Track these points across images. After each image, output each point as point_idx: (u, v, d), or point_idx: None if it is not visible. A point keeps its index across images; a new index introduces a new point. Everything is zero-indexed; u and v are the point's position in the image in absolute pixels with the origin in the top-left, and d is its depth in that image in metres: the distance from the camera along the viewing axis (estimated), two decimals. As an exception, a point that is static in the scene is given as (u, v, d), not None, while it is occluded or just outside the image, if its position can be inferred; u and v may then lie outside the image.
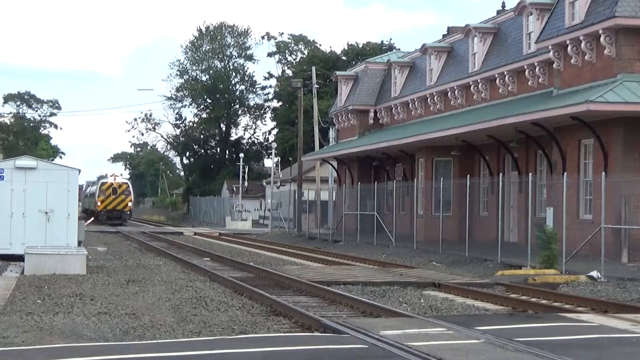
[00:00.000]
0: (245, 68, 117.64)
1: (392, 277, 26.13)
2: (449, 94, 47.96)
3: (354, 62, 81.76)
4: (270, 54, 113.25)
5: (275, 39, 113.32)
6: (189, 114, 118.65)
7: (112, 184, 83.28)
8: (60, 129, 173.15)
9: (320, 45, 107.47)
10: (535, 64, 38.86)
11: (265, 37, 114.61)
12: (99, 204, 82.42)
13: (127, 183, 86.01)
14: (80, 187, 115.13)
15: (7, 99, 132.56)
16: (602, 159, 32.09)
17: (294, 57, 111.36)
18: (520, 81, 41.02)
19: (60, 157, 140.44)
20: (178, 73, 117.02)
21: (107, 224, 77.17)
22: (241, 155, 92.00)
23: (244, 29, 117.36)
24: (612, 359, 12.55)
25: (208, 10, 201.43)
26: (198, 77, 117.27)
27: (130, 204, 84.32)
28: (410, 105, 53.31)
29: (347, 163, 59.88)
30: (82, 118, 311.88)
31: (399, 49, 78.08)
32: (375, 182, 49.47)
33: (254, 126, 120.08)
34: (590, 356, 12.56)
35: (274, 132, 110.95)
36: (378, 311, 18.15)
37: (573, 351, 12.70)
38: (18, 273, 26.48)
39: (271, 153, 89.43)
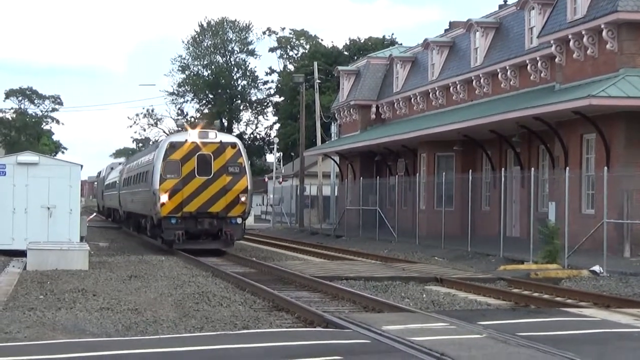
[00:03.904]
0: (247, 63, 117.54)
1: (394, 272, 26.12)
2: (451, 88, 47.90)
3: (356, 57, 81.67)
4: (271, 49, 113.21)
5: (277, 34, 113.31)
6: (191, 109, 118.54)
7: (197, 146, 34.23)
8: (62, 124, 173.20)
9: (322, 40, 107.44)
10: (537, 58, 38.83)
11: (267, 32, 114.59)
12: (162, 200, 33.71)
13: (234, 144, 35.09)
14: (98, 174, 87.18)
15: (9, 94, 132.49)
16: (604, 153, 32.05)
17: (295, 52, 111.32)
18: (522, 76, 40.96)
19: (62, 153, 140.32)
20: (180, 68, 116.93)
21: (186, 250, 33.18)
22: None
23: (246, 24, 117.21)
24: (614, 354, 12.54)
25: (210, 6, 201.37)
26: (200, 72, 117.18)
27: (244, 198, 34.28)
28: (412, 100, 53.26)
29: (349, 158, 59.85)
30: (84, 114, 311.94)
31: (401, 44, 78.02)
32: (378, 177, 49.46)
33: (255, 121, 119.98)
34: (592, 351, 12.55)
35: (276, 127, 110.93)
36: (380, 306, 18.15)
37: (576, 346, 12.69)
38: (20, 268, 26.50)
39: (273, 148, 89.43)
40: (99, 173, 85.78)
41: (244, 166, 34.22)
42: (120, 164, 66.14)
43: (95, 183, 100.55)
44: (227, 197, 33.58)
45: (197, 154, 33.73)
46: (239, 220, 34.01)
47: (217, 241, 33.93)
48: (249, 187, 33.99)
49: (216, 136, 34.63)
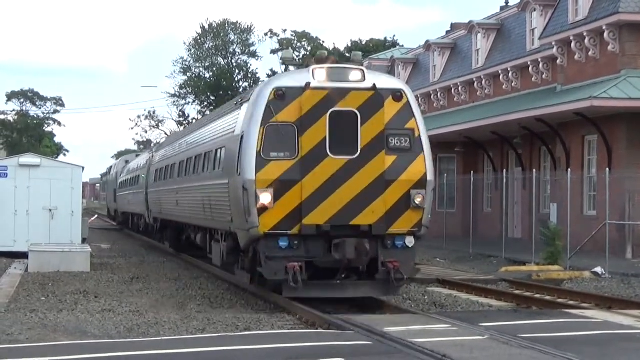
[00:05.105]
0: (249, 65, 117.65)
1: (396, 273, 26.04)
2: (453, 90, 47.90)
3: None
4: (273, 51, 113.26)
5: (279, 35, 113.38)
6: (193, 111, 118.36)
7: (329, 96, 17.83)
8: (64, 126, 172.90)
9: (323, 42, 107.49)
10: (539, 60, 38.83)
11: (269, 34, 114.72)
12: (261, 201, 17.50)
13: (399, 92, 18.37)
14: (108, 170, 76.32)
15: (11, 96, 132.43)
16: (606, 154, 32.05)
17: (297, 53, 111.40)
18: (524, 77, 40.97)
19: (64, 155, 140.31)
20: (181, 70, 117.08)
21: (310, 299, 17.83)
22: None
23: (247, 26, 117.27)
24: (616, 355, 12.53)
25: (213, 7, 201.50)
26: (201, 74, 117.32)
27: (419, 198, 18.24)
28: (413, 101, 53.22)
29: (350, 160, 59.73)
30: (85, 115, 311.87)
31: (403, 46, 78.06)
32: (379, 179, 49.35)
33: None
34: (594, 352, 12.54)
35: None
36: (382, 308, 18.13)
37: (577, 347, 12.68)
38: (22, 270, 26.50)
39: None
40: (109, 169, 72.99)
41: (419, 136, 18.70)
42: (138, 155, 54.98)
43: (99, 184, 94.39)
44: (388, 197, 18.01)
45: (330, 111, 17.87)
46: (409, 242, 18.19)
47: (370, 283, 18.12)
48: (428, 177, 18.66)
49: (364, 77, 18.28)
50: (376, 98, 17.97)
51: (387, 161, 18.01)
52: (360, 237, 17.66)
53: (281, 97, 17.87)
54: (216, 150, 21.64)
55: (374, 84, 18.04)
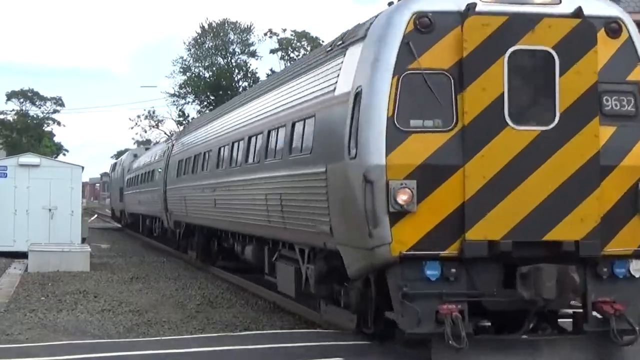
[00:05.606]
0: (248, 65, 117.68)
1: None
2: (452, 90, 47.80)
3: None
4: (273, 51, 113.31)
5: (278, 35, 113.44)
6: (192, 110, 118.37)
7: (507, 27, 10.80)
8: (64, 126, 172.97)
9: (323, 42, 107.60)
10: (539, 59, 38.80)
11: (268, 33, 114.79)
12: (399, 200, 10.54)
13: (616, 23, 11.52)
14: (112, 166, 70.23)
15: (10, 96, 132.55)
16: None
17: (297, 53, 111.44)
18: (524, 77, 40.93)
19: (64, 155, 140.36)
20: (181, 70, 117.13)
21: None
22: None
23: (247, 26, 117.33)
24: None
25: (213, 7, 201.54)
26: (201, 73, 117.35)
27: None
28: (413, 101, 53.11)
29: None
30: (85, 115, 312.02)
31: (402, 45, 78.00)
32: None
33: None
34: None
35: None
36: (382, 307, 17.94)
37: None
38: (22, 270, 26.51)
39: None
40: (114, 165, 66.48)
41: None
42: (147, 148, 49.55)
43: (99, 184, 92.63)
44: (605, 194, 11.08)
45: (510, 51, 10.97)
46: (636, 269, 11.28)
47: (575, 340, 11.28)
48: None
49: None
50: (584, 30, 11.23)
51: (602, 135, 11.15)
52: (561, 260, 10.89)
53: (427, 27, 11.02)
54: (294, 125, 14.49)
55: (579, 8, 11.32)
